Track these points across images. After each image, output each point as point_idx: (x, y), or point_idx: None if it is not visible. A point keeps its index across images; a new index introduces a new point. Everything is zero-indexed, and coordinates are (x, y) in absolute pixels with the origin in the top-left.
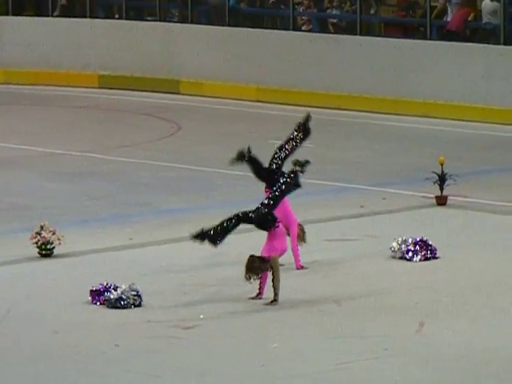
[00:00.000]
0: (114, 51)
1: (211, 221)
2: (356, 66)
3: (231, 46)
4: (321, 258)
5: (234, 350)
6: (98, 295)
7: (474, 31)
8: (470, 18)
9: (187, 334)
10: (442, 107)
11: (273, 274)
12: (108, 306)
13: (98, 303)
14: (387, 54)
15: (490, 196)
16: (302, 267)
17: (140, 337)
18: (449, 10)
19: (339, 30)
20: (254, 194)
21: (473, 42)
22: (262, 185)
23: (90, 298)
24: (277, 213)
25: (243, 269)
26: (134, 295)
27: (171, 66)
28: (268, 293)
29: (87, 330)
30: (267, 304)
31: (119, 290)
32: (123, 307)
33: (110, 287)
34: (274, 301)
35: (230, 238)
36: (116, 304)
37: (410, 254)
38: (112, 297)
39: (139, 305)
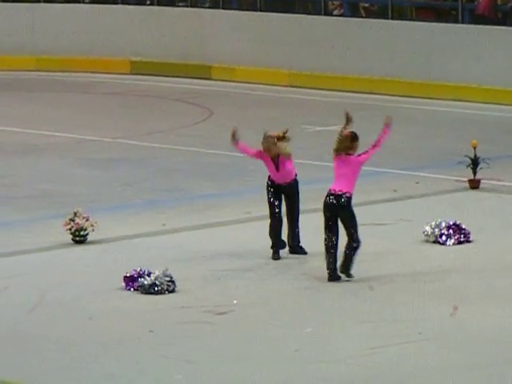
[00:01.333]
0: (146, 37)
1: (244, 207)
2: (388, 50)
3: (263, 31)
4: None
5: (267, 334)
6: (131, 281)
7: (505, 14)
8: (499, 1)
9: (221, 320)
10: (474, 91)
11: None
12: (142, 292)
13: (132, 289)
14: (419, 37)
15: None
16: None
17: (174, 322)
18: None
19: (371, 14)
20: None
21: (505, 24)
22: (298, 170)
23: (123, 284)
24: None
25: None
26: (168, 281)
27: (203, 52)
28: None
29: (121, 316)
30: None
31: (153, 276)
32: (157, 293)
33: (143, 273)
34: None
35: (265, 225)
36: (150, 290)
37: (444, 237)
38: (146, 283)
39: (173, 290)
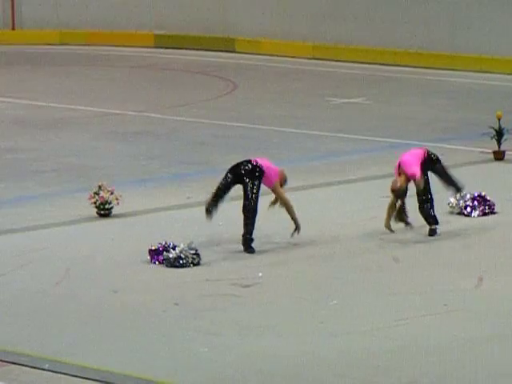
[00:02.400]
0: (169, 10)
1: None
2: (412, 21)
3: (286, 3)
4: (378, 215)
5: (292, 307)
6: (156, 254)
7: None
8: None
9: (246, 292)
10: (499, 62)
11: None
12: (167, 266)
13: (157, 262)
14: (443, 9)
15: None
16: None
17: (199, 295)
18: None
19: None
20: (311, 151)
21: None
22: (322, 143)
23: (148, 258)
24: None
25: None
26: (193, 254)
27: (226, 25)
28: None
29: (146, 289)
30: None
31: (178, 249)
32: (182, 266)
33: (168, 246)
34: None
35: (289, 197)
36: (175, 263)
37: (469, 209)
38: (171, 256)
39: (198, 263)
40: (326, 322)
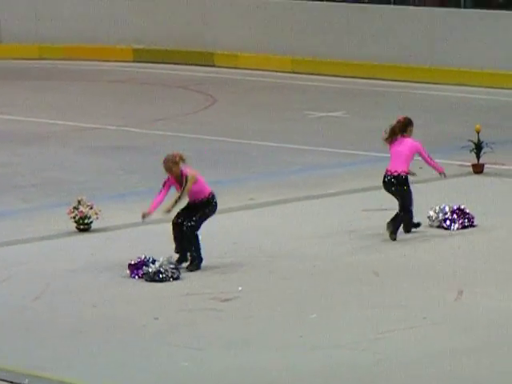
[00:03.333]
0: (148, 25)
1: (249, 193)
2: (391, 35)
3: (265, 17)
4: (358, 228)
5: (272, 320)
6: (136, 269)
7: None
8: None
9: (226, 306)
10: (477, 75)
11: None
12: (146, 280)
13: (137, 277)
14: (422, 22)
15: None
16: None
17: (179, 310)
18: None
19: None
20: (290, 165)
21: (508, 9)
22: (301, 156)
23: (128, 272)
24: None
25: None
26: (173, 268)
27: (205, 39)
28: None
29: (126, 304)
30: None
31: (157, 264)
32: (161, 280)
33: (148, 260)
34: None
35: (269, 211)
36: (154, 277)
37: (448, 222)
38: (150, 270)
39: (177, 278)
40: (305, 336)
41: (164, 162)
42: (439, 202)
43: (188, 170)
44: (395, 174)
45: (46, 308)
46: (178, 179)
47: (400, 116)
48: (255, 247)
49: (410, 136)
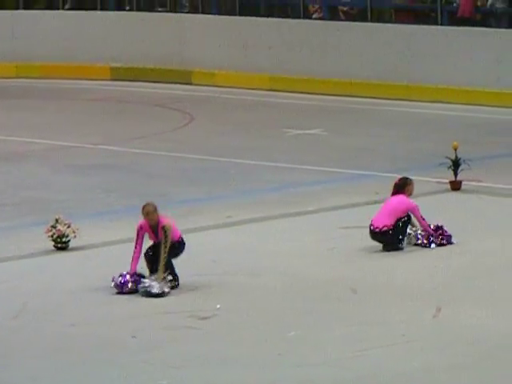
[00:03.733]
0: (126, 43)
1: (227, 211)
2: (368, 52)
3: (242, 35)
4: (336, 246)
5: (251, 339)
6: (123, 284)
7: (485, 16)
8: (479, 3)
9: (205, 324)
10: (455, 92)
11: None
12: (142, 295)
13: (127, 289)
14: (399, 40)
15: (504, 180)
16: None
17: (157, 328)
18: None
19: (350, 17)
20: (268, 183)
21: (484, 26)
22: (280, 174)
23: (115, 290)
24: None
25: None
26: (170, 280)
27: (183, 57)
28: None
29: (104, 323)
30: None
31: (152, 278)
32: (159, 295)
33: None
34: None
35: (247, 229)
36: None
37: (425, 240)
38: (147, 285)
39: (176, 286)
40: (284, 354)
41: (146, 207)
42: None
43: (163, 219)
44: (380, 229)
45: (24, 327)
46: (154, 227)
47: (397, 178)
48: (234, 265)
49: (408, 195)
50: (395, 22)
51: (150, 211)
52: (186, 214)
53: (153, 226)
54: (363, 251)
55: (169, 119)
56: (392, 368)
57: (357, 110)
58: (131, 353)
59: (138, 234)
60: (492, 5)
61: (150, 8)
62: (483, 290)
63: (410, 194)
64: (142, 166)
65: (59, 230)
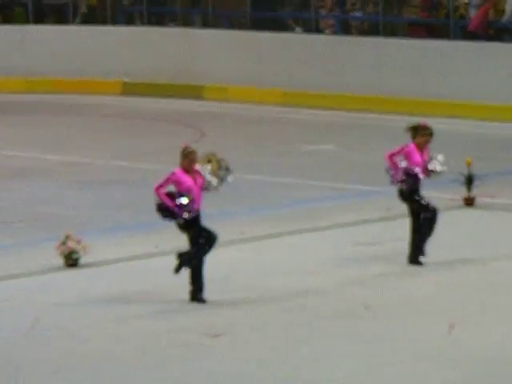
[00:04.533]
0: (137, 58)
1: (239, 227)
2: (380, 67)
3: (254, 49)
4: (349, 262)
5: (262, 355)
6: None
7: (497, 30)
8: (490, 17)
9: (216, 342)
10: (468, 107)
11: None
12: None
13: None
14: (411, 55)
15: None
16: None
17: (168, 345)
18: (470, 10)
19: (362, 32)
20: (280, 199)
21: (497, 40)
22: (292, 190)
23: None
24: None
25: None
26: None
27: (194, 72)
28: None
29: (115, 339)
30: None
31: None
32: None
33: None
34: None
35: (259, 246)
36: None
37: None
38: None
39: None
40: (296, 371)
41: (188, 147)
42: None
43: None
44: None
45: (35, 344)
46: (190, 171)
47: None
48: (246, 282)
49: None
50: (408, 37)
51: (193, 150)
52: None
53: (189, 169)
54: (375, 267)
55: (180, 135)
56: None
57: (370, 126)
58: (141, 370)
59: (167, 180)
60: (508, 20)
61: (161, 23)
62: (498, 307)
63: (419, 143)
64: (153, 182)
65: (69, 246)
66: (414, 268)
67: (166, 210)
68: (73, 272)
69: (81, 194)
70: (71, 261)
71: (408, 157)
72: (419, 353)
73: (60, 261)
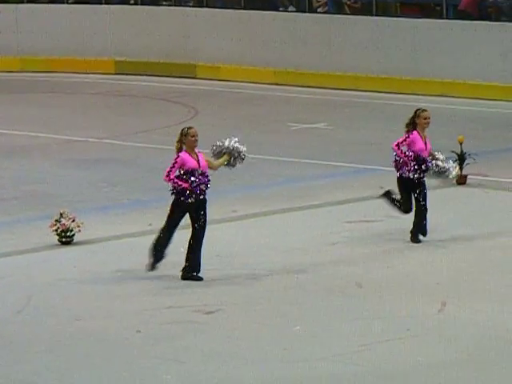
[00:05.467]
0: (130, 37)
1: (232, 205)
2: (373, 46)
3: (247, 29)
4: (342, 240)
5: (255, 333)
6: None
7: (487, 9)
8: None
9: (209, 319)
10: (460, 86)
11: None
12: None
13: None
14: (404, 34)
15: (510, 174)
16: None
17: (162, 322)
18: None
19: (355, 10)
20: (273, 177)
21: (488, 20)
22: (284, 168)
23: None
24: None
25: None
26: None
27: (187, 51)
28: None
29: (108, 317)
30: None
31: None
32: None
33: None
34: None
35: (251, 224)
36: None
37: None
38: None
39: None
40: (289, 349)
41: (191, 128)
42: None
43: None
44: None
45: (29, 322)
46: (193, 153)
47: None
48: (238, 260)
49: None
50: (400, 16)
51: (197, 133)
52: None
53: (193, 151)
54: (367, 245)
55: (173, 113)
56: (397, 363)
57: (362, 105)
58: (135, 347)
59: (174, 165)
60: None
61: (155, 2)
62: (489, 285)
63: (420, 126)
64: (146, 160)
65: (64, 224)
66: (406, 246)
67: (182, 193)
68: (67, 249)
69: (74, 172)
70: (65, 238)
71: (412, 144)
72: (411, 331)
73: (54, 238)
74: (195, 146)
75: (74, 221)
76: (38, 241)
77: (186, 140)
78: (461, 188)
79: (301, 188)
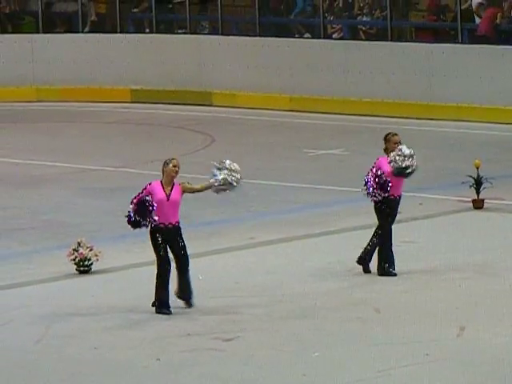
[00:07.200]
0: (146, 65)
1: (249, 232)
2: (388, 72)
3: (262, 56)
4: (358, 266)
5: (274, 360)
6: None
7: (506, 33)
8: (498, 20)
9: (228, 346)
10: (476, 110)
11: None
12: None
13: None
14: (419, 58)
15: None
16: None
17: (181, 350)
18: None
19: (370, 36)
20: (289, 204)
21: (505, 44)
22: (301, 195)
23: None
24: None
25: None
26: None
27: (203, 78)
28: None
29: (127, 345)
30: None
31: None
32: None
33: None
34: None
35: (269, 250)
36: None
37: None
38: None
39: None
40: (308, 375)
41: (174, 160)
42: (438, 237)
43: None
44: None
45: (47, 351)
46: (168, 185)
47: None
48: (257, 286)
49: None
50: (415, 41)
51: (179, 165)
52: (208, 236)
53: (168, 183)
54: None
55: (189, 141)
56: None
57: (377, 130)
58: (154, 375)
59: (142, 191)
60: None
61: (170, 30)
62: (507, 309)
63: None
64: None
65: (81, 253)
66: (422, 270)
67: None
68: (85, 279)
69: (91, 201)
70: (83, 268)
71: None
72: (429, 355)
73: (72, 268)
74: (173, 177)
75: (91, 250)
76: (56, 270)
77: (166, 168)
78: (477, 212)
79: (318, 214)
